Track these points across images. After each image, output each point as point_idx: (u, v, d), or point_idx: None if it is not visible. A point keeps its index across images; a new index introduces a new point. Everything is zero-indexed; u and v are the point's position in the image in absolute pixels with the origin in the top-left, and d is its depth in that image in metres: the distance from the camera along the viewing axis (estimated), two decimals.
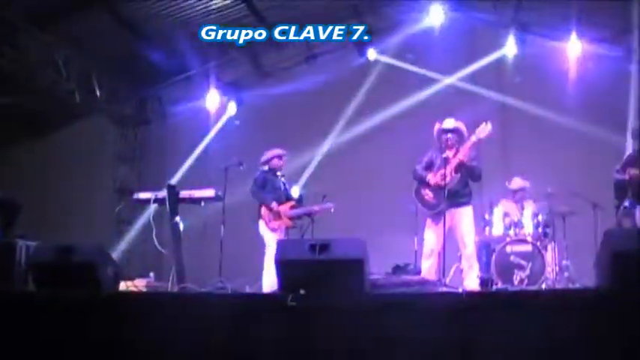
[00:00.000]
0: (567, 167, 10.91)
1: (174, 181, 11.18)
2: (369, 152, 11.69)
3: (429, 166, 7.92)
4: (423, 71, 12.04)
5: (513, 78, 11.99)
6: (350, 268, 5.69)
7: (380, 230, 10.49)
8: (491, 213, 9.48)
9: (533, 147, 11.60)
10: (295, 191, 9.56)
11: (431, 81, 12.10)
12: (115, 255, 10.50)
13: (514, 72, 12.03)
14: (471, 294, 6.20)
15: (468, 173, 7.79)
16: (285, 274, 5.86)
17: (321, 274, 5.67)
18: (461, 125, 8.01)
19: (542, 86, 11.72)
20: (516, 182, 9.88)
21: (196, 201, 8.47)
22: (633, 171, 8.15)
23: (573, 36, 11.62)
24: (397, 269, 9.07)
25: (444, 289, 6.59)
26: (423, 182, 7.84)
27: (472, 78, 12.15)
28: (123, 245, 12.06)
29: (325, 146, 12.15)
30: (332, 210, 9.20)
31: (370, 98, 11.94)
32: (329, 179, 11.10)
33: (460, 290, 6.94)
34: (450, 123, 7.99)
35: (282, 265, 5.91)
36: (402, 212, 9.19)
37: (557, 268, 9.13)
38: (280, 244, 6.24)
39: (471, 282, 7.64)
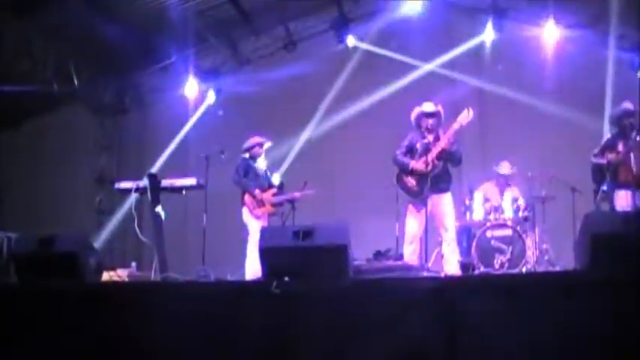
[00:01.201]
0: (545, 152, 11.00)
1: (154, 170, 11.16)
2: (349, 139, 11.73)
3: (409, 151, 7.93)
4: (402, 58, 12.04)
5: (492, 64, 12.04)
6: (333, 254, 5.72)
7: (360, 216, 10.54)
8: (471, 198, 9.55)
9: (512, 132, 11.68)
10: (276, 178, 9.58)
11: (410, 67, 12.11)
12: (97, 245, 10.46)
13: (492, 58, 12.08)
14: (452, 278, 6.27)
15: (450, 158, 7.82)
16: (269, 261, 5.88)
17: (305, 261, 5.69)
18: (440, 109, 8.04)
19: (520, 71, 11.80)
20: (505, 167, 9.92)
21: (178, 190, 8.47)
22: (611, 155, 8.23)
23: (550, 21, 11.69)
24: (378, 255, 9.11)
25: (427, 273, 6.65)
26: (405, 170, 7.85)
27: (451, 64, 12.20)
28: (104, 235, 12.01)
29: (306, 133, 12.14)
30: (313, 195, 9.24)
31: (350, 85, 11.96)
32: (310, 166, 11.14)
33: (442, 275, 7.03)
34: (429, 107, 8.01)
35: (265, 252, 5.92)
36: (381, 198, 9.23)
37: (538, 251, 9.23)
38: (263, 232, 6.26)
39: (452, 267, 7.69)
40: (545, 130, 11.42)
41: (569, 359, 4.75)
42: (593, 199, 8.84)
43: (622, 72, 11.61)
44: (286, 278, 5.56)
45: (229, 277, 8.17)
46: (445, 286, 5.48)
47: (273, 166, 9.95)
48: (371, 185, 10.31)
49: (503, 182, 9.86)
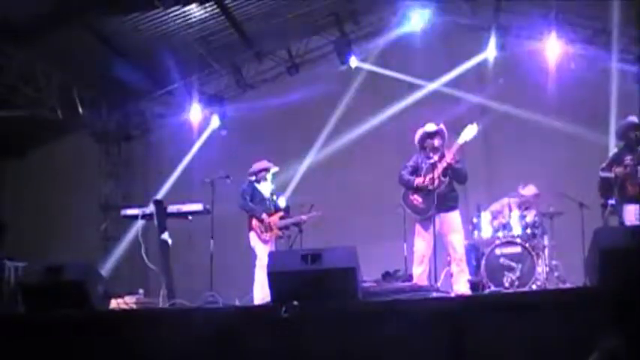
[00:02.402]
0: (551, 167, 10.96)
1: (159, 195, 11.16)
2: (355, 160, 11.71)
3: (415, 171, 7.91)
4: (405, 77, 12.05)
5: (495, 80, 12.03)
6: (342, 276, 5.71)
7: (368, 238, 10.48)
8: (478, 216, 9.50)
9: (516, 148, 11.67)
10: (282, 202, 9.55)
11: (414, 86, 12.11)
12: (104, 272, 10.44)
13: (495, 74, 12.07)
14: (463, 298, 6.23)
15: (455, 176, 7.80)
16: (278, 286, 5.87)
17: (314, 284, 5.68)
18: (443, 128, 8.03)
19: (524, 88, 11.78)
20: (530, 189, 9.83)
21: (184, 215, 8.49)
22: (619, 169, 8.20)
23: (553, 36, 11.69)
24: (387, 276, 9.08)
25: (437, 294, 6.60)
26: (410, 187, 7.83)
27: (454, 82, 12.19)
28: (111, 262, 11.99)
29: (311, 156, 12.12)
30: (319, 218, 9.23)
31: (354, 106, 11.96)
32: (315, 189, 11.12)
33: (452, 295, 6.98)
34: (431, 127, 8.01)
35: (274, 276, 5.92)
36: (389, 219, 9.18)
37: (547, 268, 9.16)
38: (272, 256, 6.25)
39: (462, 286, 7.64)
40: (551, 145, 11.40)
41: None
42: (601, 213, 8.79)
43: (625, 85, 11.59)
44: (295, 302, 5.54)
45: (237, 303, 8.13)
46: (455, 306, 5.46)
47: (279, 190, 9.93)
48: (378, 206, 10.27)
49: (525, 203, 9.74)
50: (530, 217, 9.40)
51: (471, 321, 5.22)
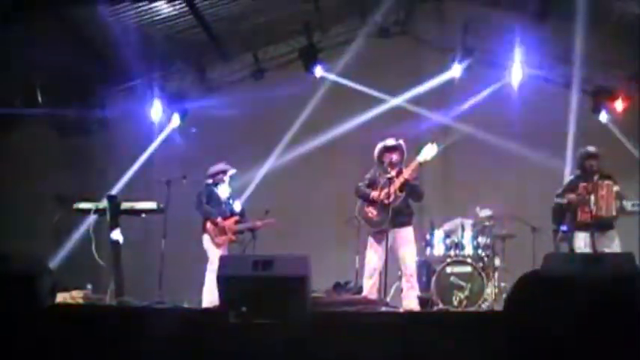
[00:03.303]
0: (508, 191, 11.10)
1: (114, 191, 11.01)
2: (313, 169, 11.71)
3: (372, 184, 7.95)
4: (369, 91, 12.09)
5: (458, 101, 12.14)
6: (293, 285, 5.67)
7: (321, 247, 10.51)
8: (432, 234, 9.57)
9: (475, 169, 11.77)
10: (237, 206, 9.52)
11: (377, 100, 12.17)
12: (53, 265, 10.28)
13: (459, 95, 12.19)
14: (411, 314, 6.26)
15: (411, 192, 7.85)
16: (227, 290, 5.82)
17: (264, 291, 5.64)
18: (402, 144, 8.08)
19: (486, 110, 11.90)
20: (486, 212, 9.90)
21: (137, 213, 8.40)
22: (572, 196, 8.36)
23: (517, 61, 11.85)
24: (338, 287, 9.10)
25: (385, 308, 6.63)
26: (366, 200, 7.87)
27: (417, 99, 12.28)
28: (61, 255, 11.79)
29: (270, 162, 12.09)
30: (274, 225, 9.22)
31: (316, 115, 11.93)
32: (272, 195, 11.07)
33: (401, 310, 7.02)
34: (391, 142, 8.06)
35: (224, 280, 5.86)
36: (343, 230, 9.21)
37: (497, 289, 9.26)
38: (223, 260, 6.19)
39: (411, 302, 7.68)
40: (508, 168, 11.54)
41: None
42: (553, 239, 8.94)
43: (585, 113, 11.81)
44: (244, 308, 5.51)
45: (186, 304, 8.07)
46: (404, 321, 5.48)
47: (236, 194, 9.90)
48: (333, 216, 10.28)
49: (478, 225, 9.81)
50: (482, 238, 9.50)
51: (418, 337, 5.24)
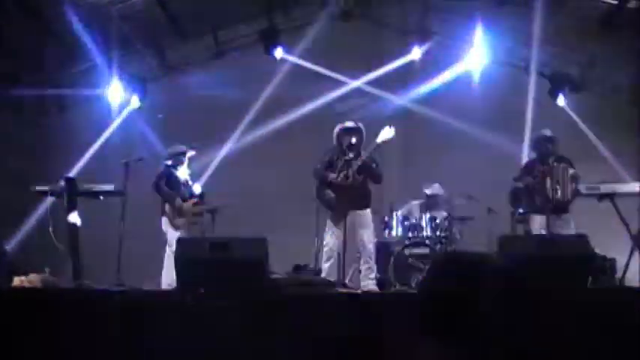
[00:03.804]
0: (467, 173, 11.13)
1: (73, 173, 10.90)
2: (274, 151, 11.66)
3: (330, 166, 7.98)
4: (329, 73, 12.09)
5: (419, 84, 12.20)
6: (250, 267, 5.71)
7: (281, 230, 10.46)
8: (390, 216, 9.63)
9: (435, 152, 11.83)
10: (197, 188, 9.49)
11: (337, 83, 12.17)
12: (10, 248, 10.16)
13: (419, 78, 12.24)
14: (368, 295, 6.31)
15: (370, 175, 7.89)
16: (185, 272, 5.84)
17: (222, 273, 5.66)
18: (361, 126, 8.11)
19: (446, 93, 11.97)
20: (435, 188, 10.03)
21: (95, 195, 8.32)
22: (528, 179, 8.47)
23: (477, 45, 11.91)
24: (297, 269, 9.13)
25: (344, 290, 6.67)
26: (324, 182, 7.90)
27: (378, 82, 12.30)
28: (18, 238, 11.63)
29: (230, 144, 12.04)
30: (234, 207, 9.20)
31: (276, 97, 11.90)
32: (233, 177, 11.05)
33: (359, 291, 7.07)
34: (350, 124, 8.09)
35: (181, 262, 5.88)
36: (303, 212, 9.20)
37: None
38: (180, 242, 6.21)
39: (369, 283, 7.74)
40: (468, 151, 11.59)
41: None
42: (511, 221, 9.07)
43: (543, 98, 11.95)
44: (201, 290, 5.52)
45: (145, 287, 8.03)
46: (361, 302, 5.52)
47: (195, 176, 9.86)
48: (293, 199, 10.27)
49: (432, 203, 9.94)
50: (440, 219, 9.59)
51: (375, 318, 5.29)
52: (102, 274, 8.50)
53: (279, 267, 8.29)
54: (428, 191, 9.96)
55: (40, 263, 9.69)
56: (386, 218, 9.62)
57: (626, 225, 7.08)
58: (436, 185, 10.03)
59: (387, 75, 12.24)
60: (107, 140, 12.03)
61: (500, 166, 10.12)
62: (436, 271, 3.01)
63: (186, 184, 9.16)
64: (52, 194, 8.27)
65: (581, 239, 5.92)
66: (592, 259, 5.83)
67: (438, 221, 9.53)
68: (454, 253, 3.36)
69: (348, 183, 7.65)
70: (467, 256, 2.81)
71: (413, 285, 8.73)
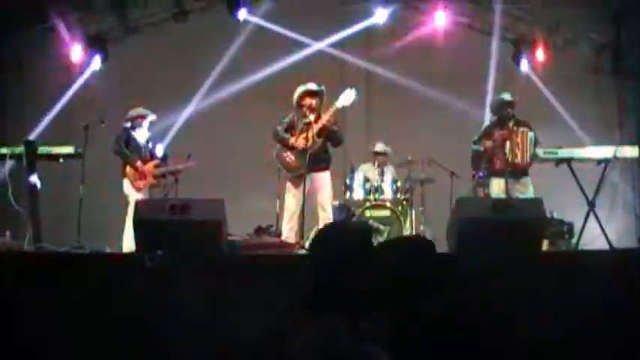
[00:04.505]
0: (429, 136, 11.22)
1: (33, 136, 10.79)
2: (237, 113, 11.62)
3: (290, 128, 7.98)
4: (293, 35, 12.02)
5: (382, 46, 12.18)
6: (208, 229, 5.73)
7: (244, 192, 10.53)
8: (352, 177, 9.67)
9: (397, 115, 11.88)
10: (160, 150, 9.48)
11: (301, 45, 12.11)
12: None
13: (382, 41, 12.22)
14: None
15: (330, 138, 7.90)
16: (143, 234, 5.84)
17: (179, 235, 5.68)
18: (323, 89, 8.10)
19: (409, 56, 11.97)
20: (379, 146, 10.15)
21: (55, 158, 8.25)
22: (487, 143, 8.54)
23: (440, 7, 11.89)
24: (259, 230, 9.15)
25: (302, 251, 6.72)
26: (284, 145, 7.91)
27: (341, 44, 12.27)
28: None
29: (193, 105, 11.97)
30: (195, 168, 9.20)
31: (239, 59, 11.82)
32: (194, 139, 10.99)
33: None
34: (312, 86, 8.07)
35: (140, 224, 5.88)
36: (265, 174, 9.21)
37: (414, 233, 9.46)
38: (138, 204, 6.19)
39: None
40: (430, 114, 11.67)
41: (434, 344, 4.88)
42: (472, 184, 9.16)
43: (507, 62, 12.02)
44: (159, 252, 5.54)
45: (107, 250, 8.03)
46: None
47: (157, 138, 9.83)
48: (255, 161, 10.27)
49: (381, 161, 10.05)
50: (401, 182, 9.67)
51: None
52: (62, 237, 8.47)
53: (242, 229, 8.32)
54: (376, 149, 10.06)
55: (1, 227, 9.65)
56: (347, 180, 9.66)
57: (582, 190, 7.16)
58: (380, 143, 10.13)
59: (350, 37, 12.20)
60: (69, 102, 11.88)
61: (463, 129, 10.18)
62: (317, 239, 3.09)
63: (146, 146, 9.12)
64: (11, 157, 8.17)
65: (536, 203, 6.01)
66: (545, 223, 5.91)
67: (398, 184, 9.59)
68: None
69: (308, 146, 7.66)
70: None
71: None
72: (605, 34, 11.81)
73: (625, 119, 11.53)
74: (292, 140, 7.84)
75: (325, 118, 7.80)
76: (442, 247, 7.81)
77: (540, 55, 11.99)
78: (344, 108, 8.00)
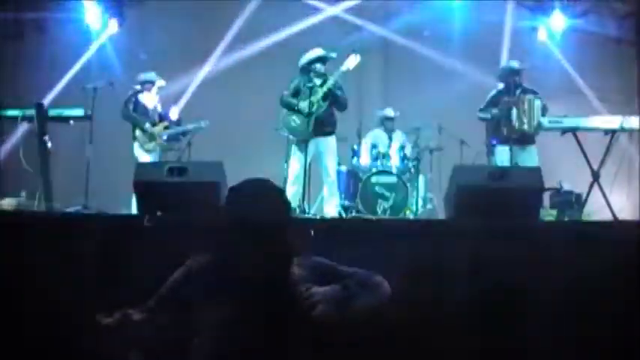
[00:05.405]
0: (440, 104, 11.10)
1: (49, 99, 10.93)
2: (250, 77, 11.62)
3: (296, 93, 8.01)
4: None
5: (399, 13, 12.10)
6: (206, 190, 5.80)
7: (256, 155, 10.53)
8: (359, 143, 9.68)
9: (412, 82, 11.82)
10: (174, 112, 9.54)
11: (316, 10, 12.07)
12: None
13: (398, 8, 12.14)
14: (324, 220, 6.42)
15: (335, 102, 7.92)
16: (143, 196, 5.93)
17: (179, 196, 5.76)
18: (328, 54, 8.10)
19: (427, 24, 11.90)
20: (388, 110, 10.13)
21: (65, 120, 8.36)
22: (494, 110, 8.50)
23: None
24: None
25: (302, 215, 6.78)
26: (290, 109, 7.94)
27: (358, 10, 12.18)
28: None
29: (206, 68, 12.01)
30: (206, 128, 9.27)
31: (251, 24, 11.80)
32: (209, 102, 11.05)
33: (318, 217, 7.18)
34: (319, 51, 8.08)
35: (140, 187, 5.97)
36: (276, 138, 9.26)
37: (421, 200, 9.47)
38: (138, 167, 6.28)
39: (331, 209, 7.85)
40: (443, 82, 11.56)
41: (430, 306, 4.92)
42: (487, 152, 9.11)
43: (523, 32, 11.89)
44: (159, 213, 5.62)
45: (122, 211, 8.15)
46: (317, 227, 5.60)
47: (172, 101, 9.92)
48: (268, 125, 10.32)
49: (390, 126, 10.03)
50: (408, 149, 9.66)
51: (330, 244, 5.38)
52: (76, 198, 8.60)
53: None
54: (385, 113, 10.05)
55: (17, 188, 9.82)
56: (354, 146, 9.66)
57: (588, 160, 7.11)
58: (389, 109, 10.11)
59: (366, 4, 12.12)
60: (85, 66, 11.96)
61: (476, 98, 10.12)
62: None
63: (155, 110, 9.20)
64: (22, 119, 8.30)
65: (533, 172, 5.98)
66: (540, 193, 5.88)
67: (406, 151, 9.58)
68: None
69: (313, 110, 7.69)
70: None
71: (379, 212, 8.83)
72: (628, 2, 11.57)
73: None
74: (299, 104, 7.86)
75: (330, 82, 7.82)
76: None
77: (559, 23, 11.80)
78: (357, 75, 8.00)
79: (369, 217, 8.10)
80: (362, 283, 3.14)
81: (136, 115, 8.97)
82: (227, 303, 3.03)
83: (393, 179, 9.10)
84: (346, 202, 9.01)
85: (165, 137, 9.12)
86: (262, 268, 3.00)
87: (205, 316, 3.07)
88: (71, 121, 8.38)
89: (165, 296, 3.29)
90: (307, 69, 8.01)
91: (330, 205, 7.87)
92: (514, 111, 8.17)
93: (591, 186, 7.13)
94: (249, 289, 3.02)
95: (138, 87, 9.13)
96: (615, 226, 6.13)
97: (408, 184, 9.06)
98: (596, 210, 7.55)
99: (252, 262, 3.01)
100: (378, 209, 8.83)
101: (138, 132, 8.95)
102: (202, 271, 3.25)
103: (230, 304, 3.02)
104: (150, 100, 9.16)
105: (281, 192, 3.24)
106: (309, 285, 3.00)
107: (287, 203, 3.24)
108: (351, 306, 3.02)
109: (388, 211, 8.83)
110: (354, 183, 9.28)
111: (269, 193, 3.16)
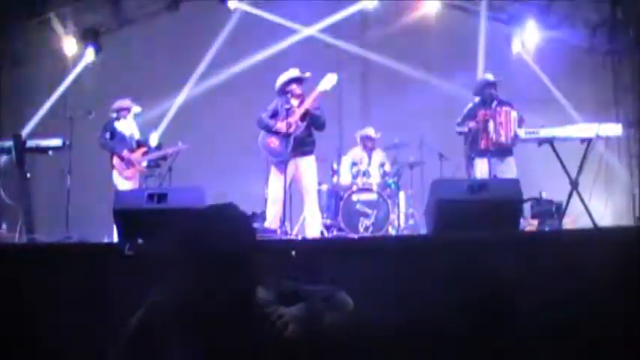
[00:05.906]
0: (420, 118, 11.17)
1: (27, 129, 10.91)
2: (227, 101, 11.66)
3: (275, 115, 8.02)
4: (283, 21, 12.05)
5: (374, 31, 12.18)
6: (187, 215, 5.76)
7: (235, 178, 10.52)
8: (339, 162, 9.70)
9: (390, 98, 11.86)
10: (154, 138, 9.55)
11: (292, 31, 12.12)
12: None
13: (375, 25, 12.21)
14: (306, 241, 6.42)
15: (313, 122, 7.93)
16: (123, 224, 5.91)
17: (160, 223, 5.72)
18: (308, 76, 8.13)
19: (402, 39, 11.97)
20: (368, 130, 10.17)
21: (44, 150, 8.32)
22: (471, 124, 8.55)
23: None
24: (253, 216, 9.20)
25: (284, 237, 6.77)
26: (268, 131, 7.96)
27: (334, 30, 12.25)
28: None
29: (184, 94, 12.04)
30: (185, 151, 9.30)
31: (230, 47, 11.88)
32: (187, 127, 11.08)
33: (299, 237, 7.18)
34: (295, 72, 8.11)
35: (119, 215, 5.94)
36: (257, 161, 9.27)
37: (403, 216, 9.50)
38: (117, 195, 6.26)
39: (313, 230, 7.85)
40: (421, 97, 11.61)
41: (414, 320, 4.92)
42: (465, 166, 9.15)
43: (498, 44, 11.98)
44: (140, 240, 5.59)
45: (105, 240, 8.13)
46: (298, 248, 5.61)
47: (151, 127, 9.91)
48: (248, 148, 10.32)
49: (370, 145, 10.07)
50: (388, 166, 9.69)
51: (315, 263, 5.38)
52: (58, 228, 8.58)
53: None
54: (365, 132, 10.11)
55: None
56: (334, 165, 9.68)
57: (565, 170, 7.15)
58: (369, 128, 10.15)
59: (343, 23, 12.19)
60: (62, 95, 11.95)
61: (454, 111, 10.18)
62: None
63: (132, 137, 9.21)
64: (1, 152, 8.25)
65: (512, 183, 6.02)
66: (520, 204, 5.91)
67: (386, 168, 9.62)
68: None
69: (291, 131, 7.71)
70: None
71: (361, 230, 8.86)
72: (600, 12, 11.70)
73: (621, 99, 11.50)
74: (276, 125, 7.88)
75: (308, 102, 7.84)
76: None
77: (533, 34, 11.92)
78: (336, 94, 8.05)
79: (352, 235, 8.11)
80: (326, 300, 3.12)
81: (112, 143, 8.98)
82: (193, 343, 2.91)
83: (373, 196, 9.14)
84: (328, 221, 9.02)
85: (144, 163, 9.11)
86: (227, 301, 2.91)
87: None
88: (50, 152, 8.35)
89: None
90: (284, 90, 8.02)
91: (312, 225, 7.86)
92: (490, 123, 8.25)
93: (570, 195, 7.15)
94: (215, 323, 2.92)
95: (114, 114, 9.13)
96: (596, 233, 6.16)
97: (389, 201, 9.09)
98: (576, 218, 7.61)
99: (217, 298, 2.90)
100: (360, 227, 8.85)
101: (116, 159, 8.96)
102: (159, 316, 2.97)
103: (196, 342, 2.92)
104: (126, 127, 9.17)
105: (245, 217, 3.16)
106: (275, 307, 2.97)
107: (252, 230, 3.16)
108: (320, 323, 3.01)
109: (370, 228, 8.85)
110: (335, 202, 9.30)
111: (233, 219, 3.06)
